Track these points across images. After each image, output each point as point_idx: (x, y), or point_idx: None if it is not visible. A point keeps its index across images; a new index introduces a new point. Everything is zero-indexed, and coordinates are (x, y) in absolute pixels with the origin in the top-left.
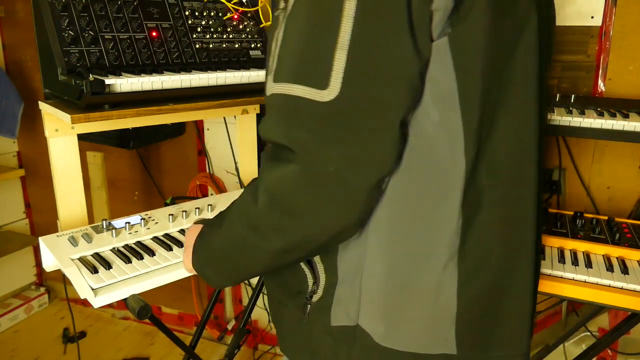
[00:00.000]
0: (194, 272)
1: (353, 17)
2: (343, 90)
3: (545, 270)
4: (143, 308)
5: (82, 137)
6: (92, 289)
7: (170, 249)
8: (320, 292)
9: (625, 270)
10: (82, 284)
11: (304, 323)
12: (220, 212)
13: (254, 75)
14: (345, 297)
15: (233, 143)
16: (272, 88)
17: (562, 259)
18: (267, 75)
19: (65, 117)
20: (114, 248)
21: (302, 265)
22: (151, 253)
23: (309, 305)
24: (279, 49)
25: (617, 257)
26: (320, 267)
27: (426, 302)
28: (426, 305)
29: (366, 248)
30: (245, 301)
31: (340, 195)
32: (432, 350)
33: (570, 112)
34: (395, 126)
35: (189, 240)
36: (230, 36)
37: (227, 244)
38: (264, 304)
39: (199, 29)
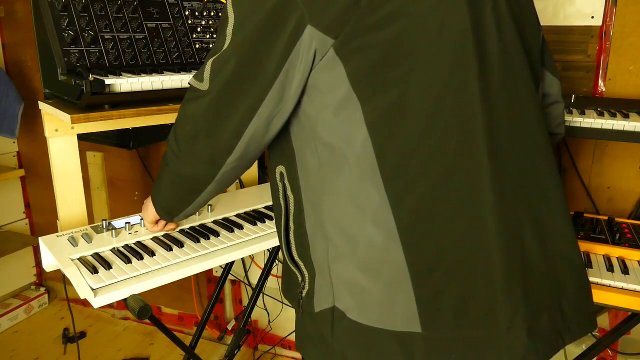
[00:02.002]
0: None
1: (230, 35)
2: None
3: None
4: (143, 308)
5: (82, 137)
6: (92, 289)
7: (170, 249)
8: (306, 286)
9: (625, 270)
10: (82, 284)
11: (300, 318)
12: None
13: None
14: (324, 284)
15: None
16: None
17: None
18: None
19: (65, 117)
20: (113, 248)
21: (291, 267)
22: (151, 253)
23: (301, 300)
24: None
25: (617, 257)
26: (302, 264)
27: (380, 279)
28: (380, 282)
29: (328, 237)
30: (245, 301)
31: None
32: (395, 326)
33: (570, 112)
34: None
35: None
36: None
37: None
38: (264, 304)
39: (199, 29)
